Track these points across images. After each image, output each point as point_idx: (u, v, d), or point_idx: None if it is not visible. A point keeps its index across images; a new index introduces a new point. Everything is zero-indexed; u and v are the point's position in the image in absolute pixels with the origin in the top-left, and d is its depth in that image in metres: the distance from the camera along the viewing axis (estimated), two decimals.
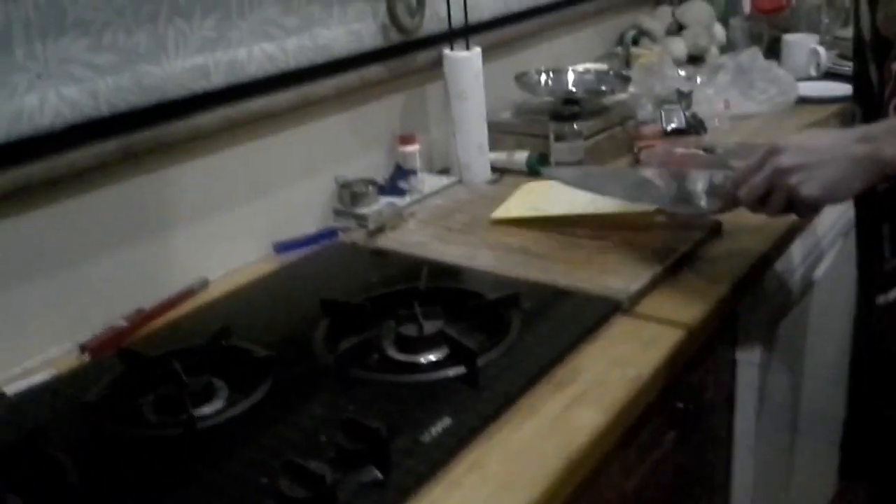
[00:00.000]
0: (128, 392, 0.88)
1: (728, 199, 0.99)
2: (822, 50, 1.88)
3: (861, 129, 0.87)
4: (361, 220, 1.31)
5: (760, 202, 0.93)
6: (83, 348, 1.01)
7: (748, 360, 1.22)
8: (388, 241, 1.24)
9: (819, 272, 1.43)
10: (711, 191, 1.04)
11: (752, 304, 1.18)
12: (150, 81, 1.05)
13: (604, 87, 1.59)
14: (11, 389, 0.93)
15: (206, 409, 0.84)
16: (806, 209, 0.92)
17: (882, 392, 1.03)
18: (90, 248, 1.04)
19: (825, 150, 0.86)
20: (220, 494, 0.71)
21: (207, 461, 0.76)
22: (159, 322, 1.07)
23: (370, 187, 1.36)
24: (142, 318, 1.06)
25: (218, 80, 1.13)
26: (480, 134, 1.46)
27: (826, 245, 1.46)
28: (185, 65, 1.10)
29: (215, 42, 1.14)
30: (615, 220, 1.19)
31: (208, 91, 1.12)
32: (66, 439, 0.82)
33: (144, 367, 0.90)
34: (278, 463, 0.74)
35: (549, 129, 1.46)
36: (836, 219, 1.47)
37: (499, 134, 1.54)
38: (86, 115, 0.97)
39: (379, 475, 0.71)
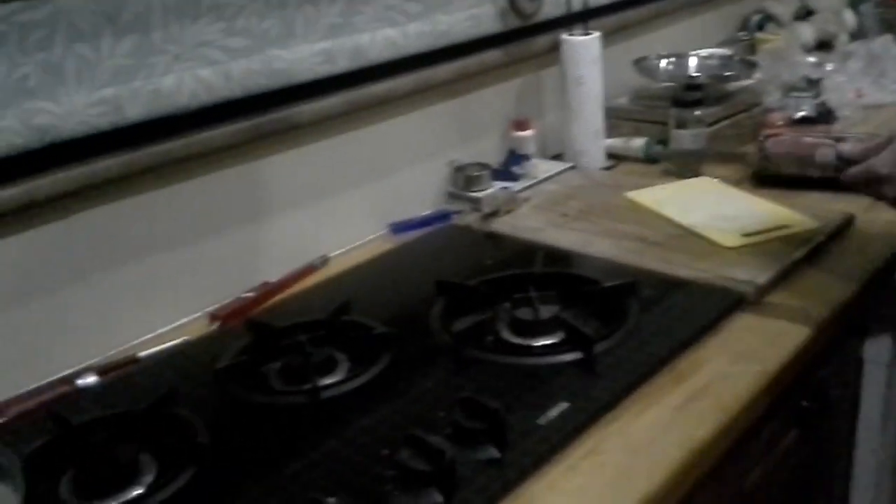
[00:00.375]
0: (255, 360, 0.91)
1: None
2: None
3: None
4: (475, 203, 1.32)
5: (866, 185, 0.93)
6: (213, 317, 1.06)
7: (876, 360, 1.17)
8: (501, 225, 1.24)
9: None
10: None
11: (882, 302, 1.12)
12: (280, 65, 1.09)
13: (728, 73, 1.54)
14: (145, 354, 0.98)
15: (328, 380, 0.87)
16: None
17: None
18: (220, 223, 1.08)
19: None
20: (342, 462, 0.74)
21: (330, 430, 0.79)
22: (283, 295, 1.11)
23: (484, 171, 1.36)
24: (267, 290, 1.10)
25: (342, 64, 1.16)
26: (596, 120, 1.44)
27: None
28: (313, 49, 1.13)
29: (340, 27, 1.17)
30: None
31: (333, 75, 1.15)
32: (196, 403, 0.86)
33: (271, 337, 0.94)
34: (399, 435, 0.75)
35: (668, 116, 1.42)
36: None
37: (615, 120, 1.52)
38: (220, 97, 1.02)
39: (497, 454, 0.72)
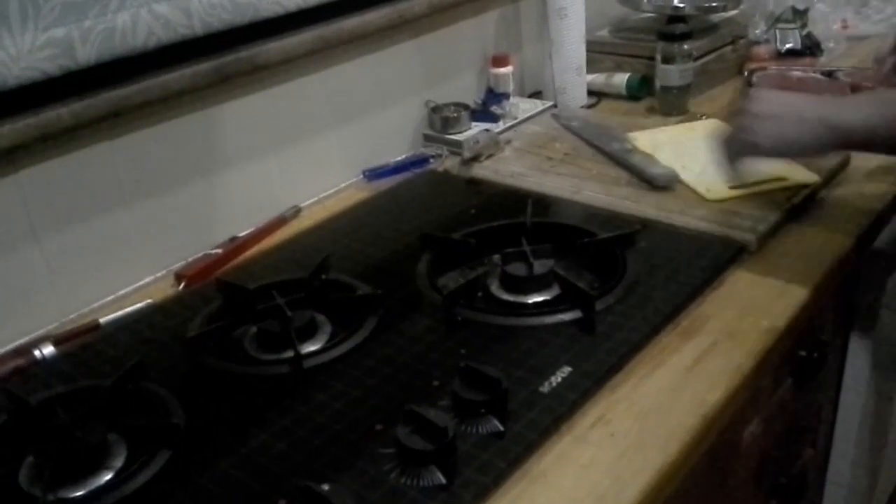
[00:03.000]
0: (228, 326, 0.85)
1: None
2: None
3: (830, 98, 0.87)
4: (454, 146, 1.25)
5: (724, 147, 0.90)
6: (178, 276, 0.98)
7: (868, 304, 1.14)
8: (483, 171, 1.17)
9: None
10: None
11: (875, 247, 1.09)
12: None
13: (714, 3, 1.47)
14: (106, 319, 0.91)
15: (311, 347, 0.81)
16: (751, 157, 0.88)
17: None
18: (182, 174, 1.00)
19: (785, 106, 0.86)
20: (333, 440, 0.68)
21: (315, 402, 0.73)
22: (253, 251, 1.03)
23: (462, 112, 1.29)
24: (236, 246, 1.02)
25: None
26: (579, 55, 1.36)
27: None
28: None
29: None
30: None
31: (301, 9, 1.05)
32: (166, 375, 0.79)
33: (244, 300, 0.87)
34: (392, 407, 0.70)
35: (653, 50, 1.35)
36: None
37: (596, 54, 1.44)
38: (179, 35, 0.92)
39: (499, 427, 0.67)
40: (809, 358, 0.97)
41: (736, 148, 0.88)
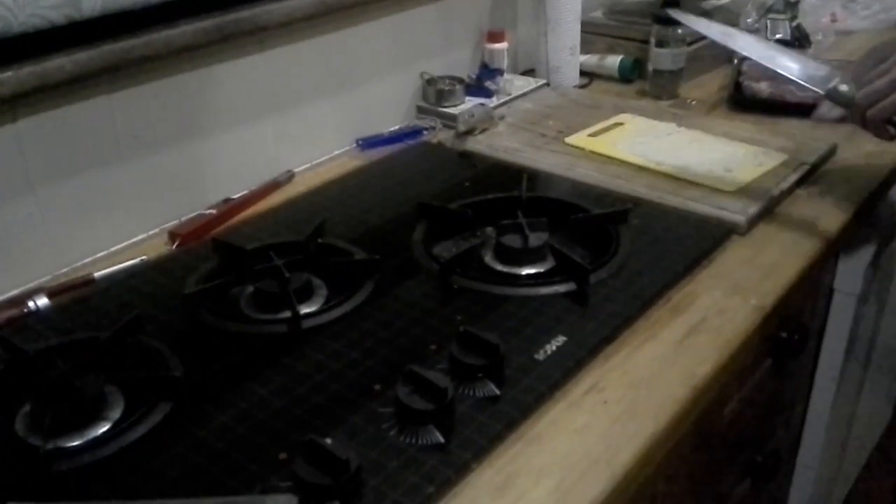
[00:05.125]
0: (225, 284, 0.85)
1: (850, 105, 0.90)
2: None
3: None
4: (448, 119, 1.25)
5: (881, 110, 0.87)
6: (172, 235, 0.98)
7: (847, 290, 1.17)
8: (476, 144, 1.18)
9: None
10: (835, 96, 0.91)
11: (857, 234, 1.12)
12: None
13: None
14: (100, 274, 0.90)
15: (307, 308, 0.82)
16: None
17: None
18: (178, 132, 0.99)
19: None
20: (332, 398, 0.69)
21: (313, 362, 0.74)
22: (247, 213, 1.03)
23: (457, 86, 1.29)
24: (230, 207, 1.02)
25: None
26: (574, 35, 1.37)
27: None
28: None
29: None
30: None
31: None
32: (163, 330, 0.79)
33: (241, 260, 0.87)
34: (388, 370, 0.71)
35: (646, 33, 1.37)
36: None
37: (590, 35, 1.45)
38: None
39: (496, 390, 0.69)
40: (790, 339, 1.00)
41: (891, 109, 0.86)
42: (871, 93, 0.87)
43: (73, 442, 0.66)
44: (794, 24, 1.51)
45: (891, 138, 0.90)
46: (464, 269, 0.87)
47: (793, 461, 1.33)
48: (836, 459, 1.47)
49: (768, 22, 1.49)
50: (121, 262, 0.92)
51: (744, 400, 0.96)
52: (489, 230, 0.95)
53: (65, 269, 0.91)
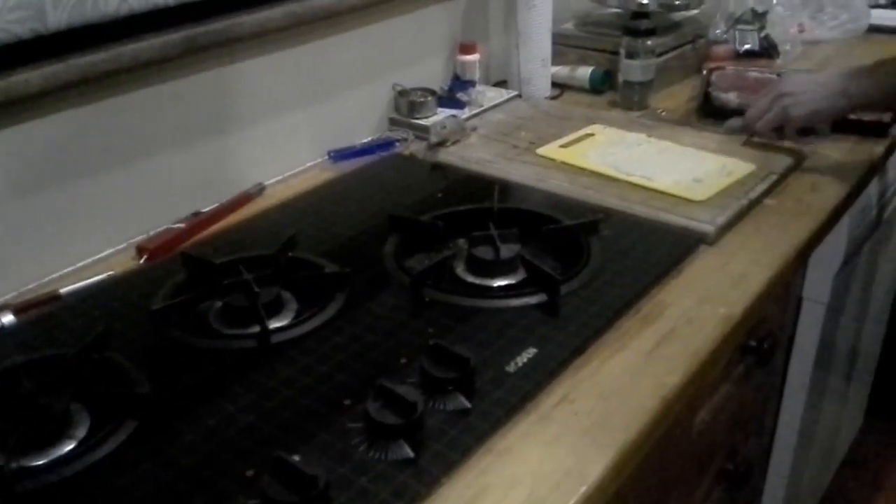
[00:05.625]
0: (193, 299, 0.84)
1: (746, 119, 1.16)
2: None
3: (847, 71, 1.08)
4: (420, 130, 1.25)
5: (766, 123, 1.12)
6: (139, 249, 0.97)
7: (816, 300, 1.19)
8: (449, 156, 1.18)
9: (888, 213, 1.38)
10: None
11: (826, 243, 1.13)
12: None
13: (677, 2, 1.50)
14: (66, 290, 0.89)
15: (277, 323, 0.81)
16: (791, 129, 1.12)
17: None
18: (146, 146, 0.98)
19: (813, 83, 1.10)
20: (301, 413, 0.68)
21: (283, 377, 0.73)
22: (216, 227, 1.02)
23: (429, 97, 1.30)
24: (199, 221, 1.01)
25: None
26: (545, 47, 1.38)
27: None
28: None
29: None
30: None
31: None
32: (130, 346, 0.78)
33: (210, 274, 0.86)
34: (359, 384, 0.71)
35: (616, 45, 1.38)
36: None
37: (561, 47, 1.46)
38: (152, 4, 0.90)
39: (467, 403, 0.68)
40: (759, 348, 1.01)
41: (774, 118, 1.10)
42: (757, 111, 1.13)
43: (38, 461, 0.65)
44: (762, 34, 1.53)
45: (780, 139, 1.14)
46: (435, 282, 0.87)
47: (765, 469, 1.34)
48: (808, 467, 1.48)
49: (737, 33, 1.51)
50: (88, 278, 0.91)
51: (714, 409, 0.97)
52: (461, 242, 0.95)
53: (31, 286, 0.90)
